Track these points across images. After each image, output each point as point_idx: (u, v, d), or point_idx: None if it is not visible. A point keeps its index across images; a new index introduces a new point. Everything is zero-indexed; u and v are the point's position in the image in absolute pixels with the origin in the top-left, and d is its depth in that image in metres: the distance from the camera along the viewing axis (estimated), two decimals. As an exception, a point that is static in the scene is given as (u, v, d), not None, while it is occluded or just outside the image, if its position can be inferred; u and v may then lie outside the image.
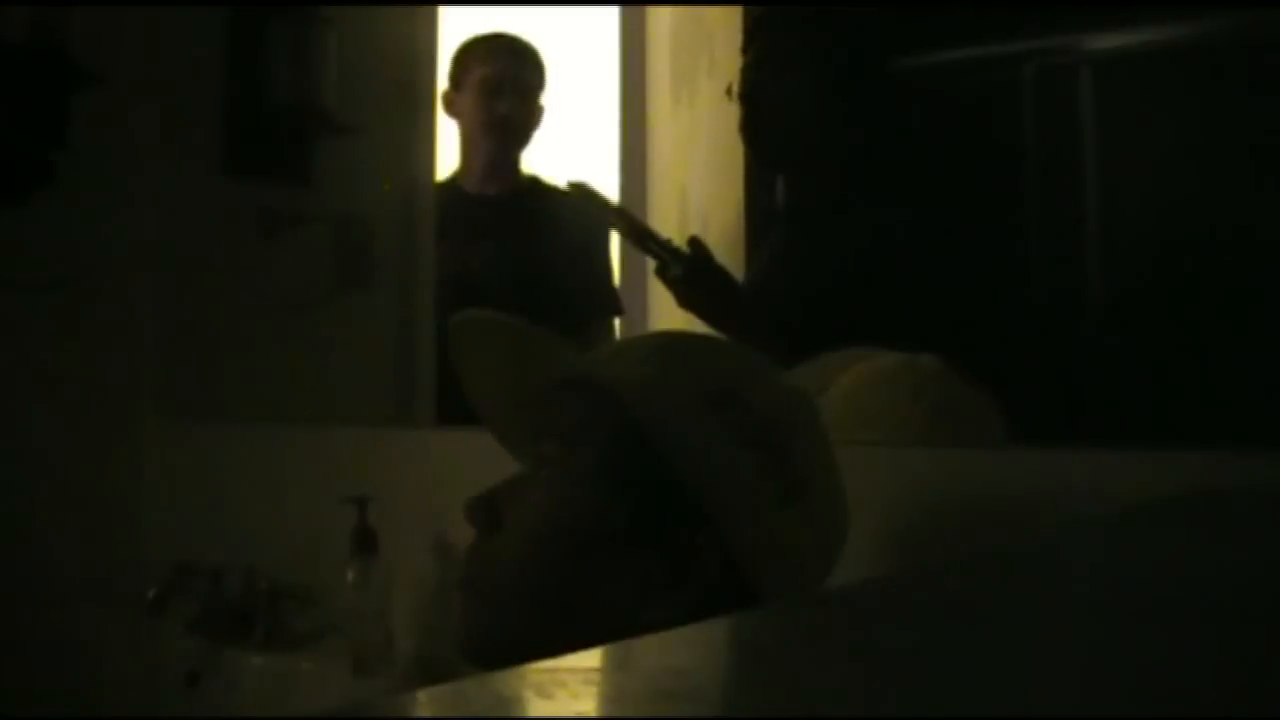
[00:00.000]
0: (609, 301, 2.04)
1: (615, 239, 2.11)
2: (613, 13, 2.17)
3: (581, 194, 1.75)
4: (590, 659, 0.40)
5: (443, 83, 2.10)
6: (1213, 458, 0.94)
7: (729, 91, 1.64)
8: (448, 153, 2.13)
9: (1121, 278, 1.41)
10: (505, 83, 2.06)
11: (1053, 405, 1.33)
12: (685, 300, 1.60)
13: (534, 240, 2.10)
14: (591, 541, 0.85)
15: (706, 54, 1.91)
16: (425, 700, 0.36)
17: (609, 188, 2.16)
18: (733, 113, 1.66)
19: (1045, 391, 1.35)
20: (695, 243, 1.62)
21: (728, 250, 1.69)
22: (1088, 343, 1.42)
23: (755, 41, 1.66)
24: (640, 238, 1.71)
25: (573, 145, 2.17)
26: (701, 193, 1.97)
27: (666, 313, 1.74)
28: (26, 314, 1.75)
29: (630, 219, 1.79)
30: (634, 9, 2.14)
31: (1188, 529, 0.78)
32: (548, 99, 2.10)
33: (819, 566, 0.88)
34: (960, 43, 1.51)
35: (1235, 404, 1.22)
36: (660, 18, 2.11)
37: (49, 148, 1.63)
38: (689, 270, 1.58)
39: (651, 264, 1.68)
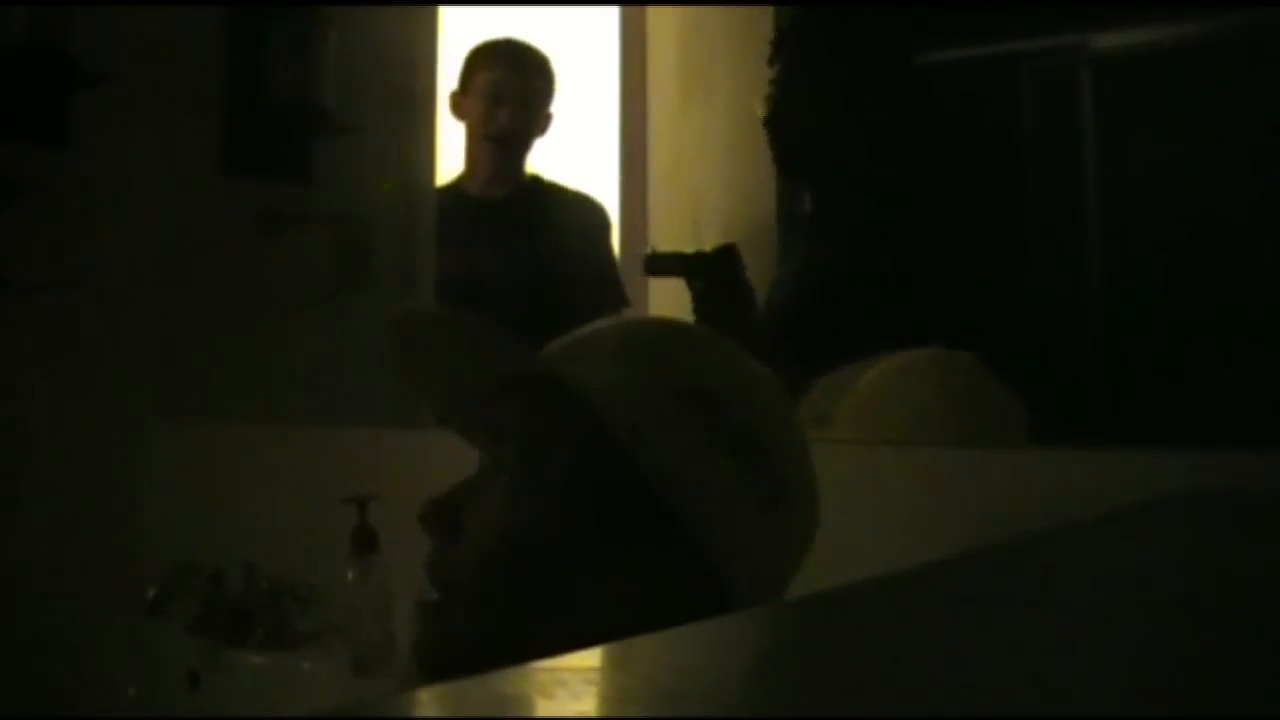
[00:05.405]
0: (614, 295, 2.05)
1: (616, 236, 2.11)
2: (613, 13, 2.17)
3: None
4: (590, 659, 0.40)
5: (451, 84, 2.11)
6: (1213, 458, 0.94)
7: (764, 121, 1.60)
8: (450, 154, 2.13)
9: (1121, 277, 1.41)
10: (507, 91, 2.08)
11: (1054, 404, 1.33)
12: (703, 312, 1.57)
13: (538, 240, 2.11)
14: (561, 558, 0.79)
15: (725, 54, 1.90)
16: (425, 700, 0.36)
17: (608, 189, 2.16)
18: (751, 115, 1.64)
19: (1046, 391, 1.35)
20: (727, 251, 1.60)
21: (745, 257, 1.65)
22: (1088, 342, 1.41)
23: (777, 60, 1.64)
24: (652, 267, 1.71)
25: (573, 146, 2.17)
26: (716, 197, 1.96)
27: (667, 309, 1.74)
28: (26, 314, 1.75)
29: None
30: (634, 9, 2.14)
31: (1189, 528, 0.78)
32: (554, 105, 2.11)
33: (796, 562, 0.85)
34: (960, 43, 1.51)
35: (1235, 403, 1.22)
36: (664, 17, 2.11)
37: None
38: (711, 281, 1.56)
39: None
